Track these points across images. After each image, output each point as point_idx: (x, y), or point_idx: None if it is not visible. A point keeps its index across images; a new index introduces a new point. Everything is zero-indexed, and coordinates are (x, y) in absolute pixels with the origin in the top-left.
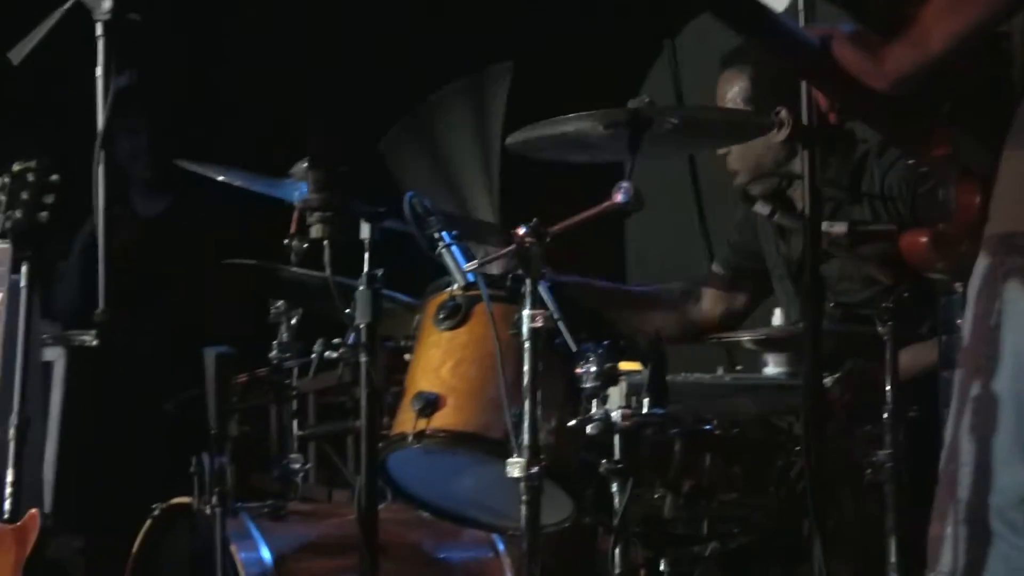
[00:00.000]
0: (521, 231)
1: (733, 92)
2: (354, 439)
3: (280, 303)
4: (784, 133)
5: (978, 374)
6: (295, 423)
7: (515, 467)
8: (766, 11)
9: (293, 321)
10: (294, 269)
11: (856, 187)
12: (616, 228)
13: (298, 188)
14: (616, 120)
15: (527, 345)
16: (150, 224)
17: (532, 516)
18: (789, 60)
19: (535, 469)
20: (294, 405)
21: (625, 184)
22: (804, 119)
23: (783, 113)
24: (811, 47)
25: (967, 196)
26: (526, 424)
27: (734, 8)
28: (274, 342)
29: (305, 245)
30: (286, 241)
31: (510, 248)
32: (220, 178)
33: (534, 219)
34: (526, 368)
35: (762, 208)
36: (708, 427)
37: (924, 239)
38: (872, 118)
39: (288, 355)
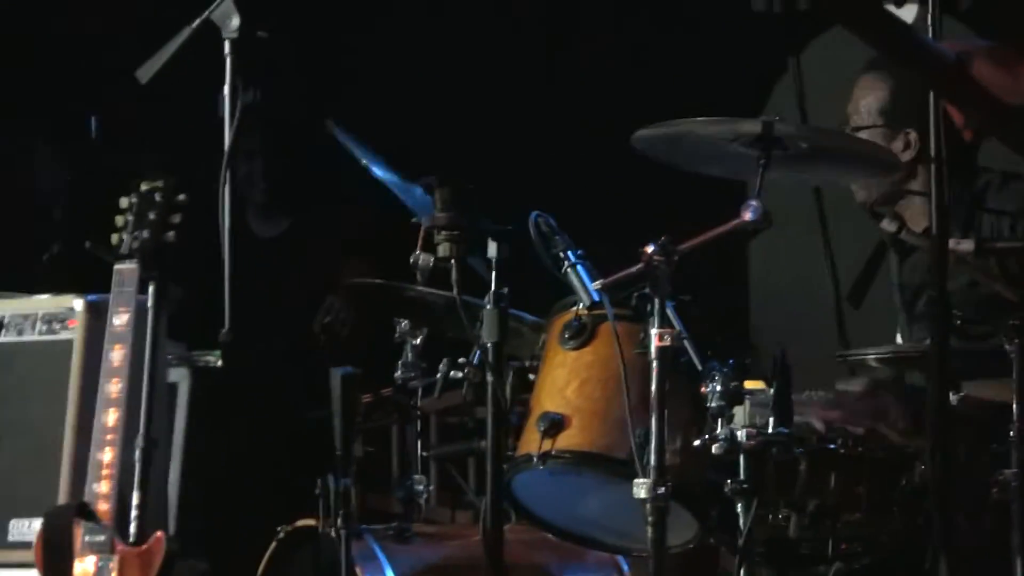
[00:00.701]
0: (650, 249)
1: (868, 100)
2: (477, 460)
3: (405, 322)
4: (910, 155)
5: None
6: (419, 443)
7: (641, 488)
8: (901, 24)
9: (418, 340)
10: (420, 288)
11: (970, 217)
12: (740, 248)
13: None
14: (746, 133)
15: (654, 364)
16: (272, 243)
17: (658, 537)
18: (926, 74)
19: (661, 490)
20: (418, 425)
21: (754, 202)
22: (933, 138)
23: (912, 135)
24: (948, 62)
25: None
26: (652, 444)
27: (869, 21)
28: (399, 362)
29: (431, 263)
30: (412, 259)
31: (638, 267)
32: (363, 162)
33: (663, 236)
34: (653, 387)
35: (889, 225)
36: (832, 445)
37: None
38: (1008, 136)
39: (413, 375)
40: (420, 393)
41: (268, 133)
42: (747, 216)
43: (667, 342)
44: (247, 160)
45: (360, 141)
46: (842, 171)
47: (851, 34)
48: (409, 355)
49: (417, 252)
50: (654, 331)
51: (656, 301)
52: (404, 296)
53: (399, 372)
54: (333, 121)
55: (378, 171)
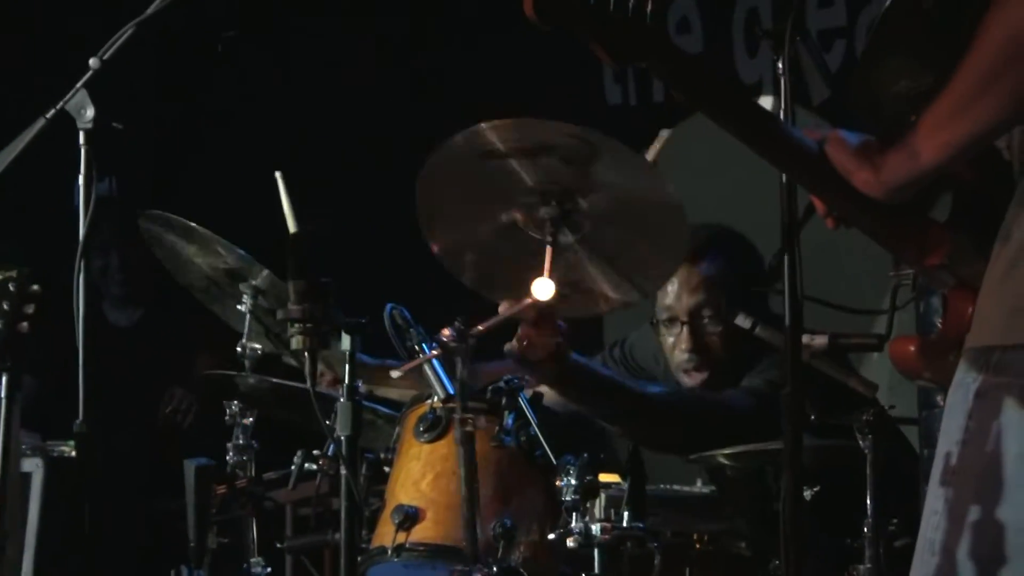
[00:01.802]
0: (446, 332)
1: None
2: (332, 551)
3: (235, 403)
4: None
5: (977, 498)
6: (273, 535)
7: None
8: (763, 113)
9: (248, 422)
10: (275, 380)
11: None
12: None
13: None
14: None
15: (461, 451)
16: (124, 334)
17: None
18: (782, 163)
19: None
20: (272, 517)
21: (543, 279)
22: (784, 229)
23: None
24: (808, 150)
25: (959, 305)
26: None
27: (731, 111)
28: (228, 444)
29: (259, 351)
30: (239, 347)
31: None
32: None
33: (456, 319)
34: (461, 470)
35: (743, 321)
36: (687, 540)
37: (912, 347)
38: (866, 224)
39: (244, 457)
40: (273, 485)
41: (122, 224)
42: (537, 296)
43: (470, 428)
44: (102, 252)
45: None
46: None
47: (714, 123)
48: (239, 438)
49: (243, 340)
50: (457, 417)
51: (459, 384)
52: (261, 387)
53: (231, 455)
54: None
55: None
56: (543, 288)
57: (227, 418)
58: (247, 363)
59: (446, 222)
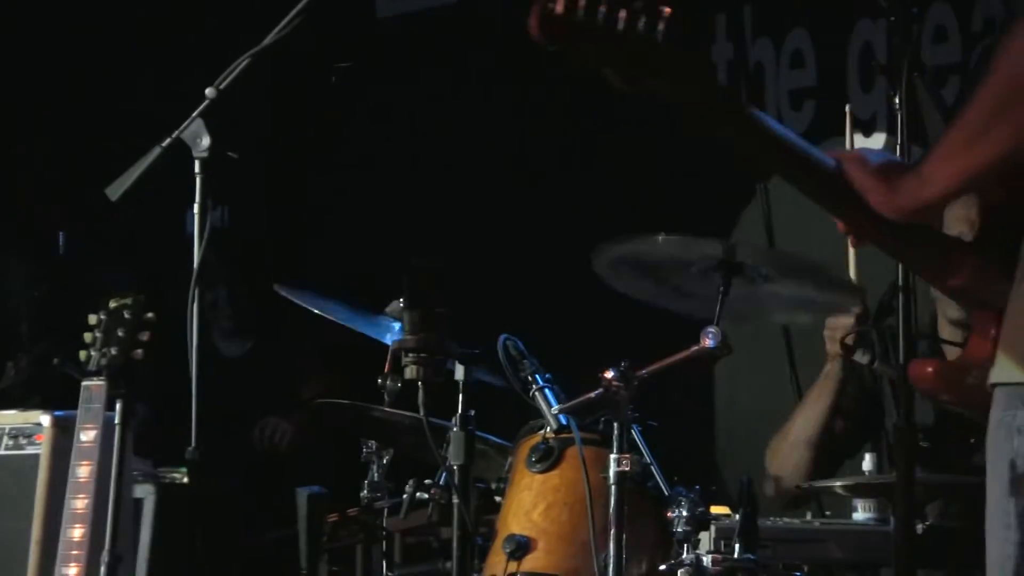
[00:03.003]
0: (609, 374)
1: None
2: None
3: (372, 443)
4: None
5: None
6: (384, 563)
7: None
8: (777, 130)
9: (384, 460)
10: (387, 409)
11: None
12: (706, 373)
13: (391, 328)
14: (708, 256)
15: (613, 489)
16: (233, 365)
17: None
18: (797, 179)
19: None
20: (383, 545)
21: (712, 329)
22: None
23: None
24: (824, 167)
25: (983, 327)
26: (611, 569)
27: (744, 130)
28: (365, 481)
29: (399, 385)
30: (379, 381)
31: (597, 392)
32: (316, 311)
33: (623, 362)
34: (612, 511)
35: (861, 357)
36: (798, 573)
37: (931, 369)
38: (887, 244)
39: (379, 495)
40: (386, 513)
41: (234, 256)
42: (707, 343)
43: (626, 467)
44: (212, 286)
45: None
46: (800, 305)
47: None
48: (375, 475)
49: (385, 373)
50: (613, 456)
51: (616, 426)
52: (371, 416)
53: (365, 491)
54: (281, 284)
55: (337, 316)
56: (713, 336)
57: (363, 454)
58: (387, 397)
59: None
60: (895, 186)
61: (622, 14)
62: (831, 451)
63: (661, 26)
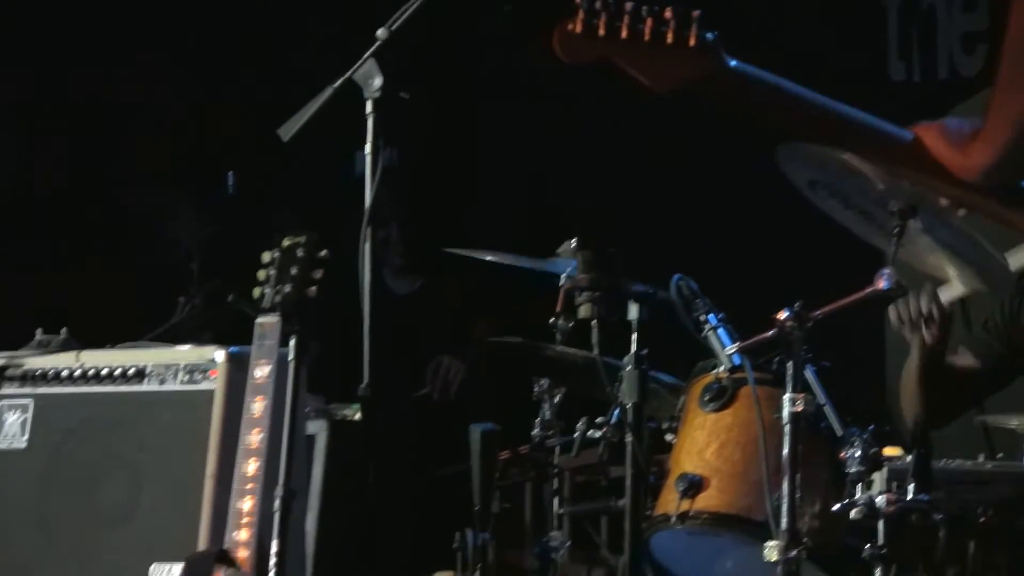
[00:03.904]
0: (783, 315)
1: None
2: (611, 519)
3: (544, 381)
4: None
5: None
6: (555, 501)
7: (772, 551)
8: (845, 112)
9: (556, 399)
10: (559, 348)
11: None
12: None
13: (565, 267)
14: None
15: (787, 429)
16: (403, 302)
17: None
18: (875, 156)
19: (792, 553)
20: (555, 483)
21: (887, 271)
22: None
23: None
24: (902, 141)
25: None
26: (785, 508)
27: (808, 119)
28: (536, 420)
29: (571, 324)
30: (551, 320)
31: (771, 332)
32: (488, 258)
33: (797, 303)
34: (785, 452)
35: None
36: (972, 514)
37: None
38: (988, 210)
39: (550, 433)
40: (557, 451)
41: (405, 194)
42: (881, 284)
43: (800, 408)
44: (383, 225)
45: (484, 242)
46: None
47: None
48: (547, 413)
49: (557, 312)
50: (787, 396)
51: (790, 367)
52: (543, 355)
53: (536, 430)
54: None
55: (508, 258)
56: (887, 278)
57: (535, 392)
58: (559, 336)
59: None
60: (967, 149)
61: (647, 23)
62: (957, 387)
63: (691, 30)
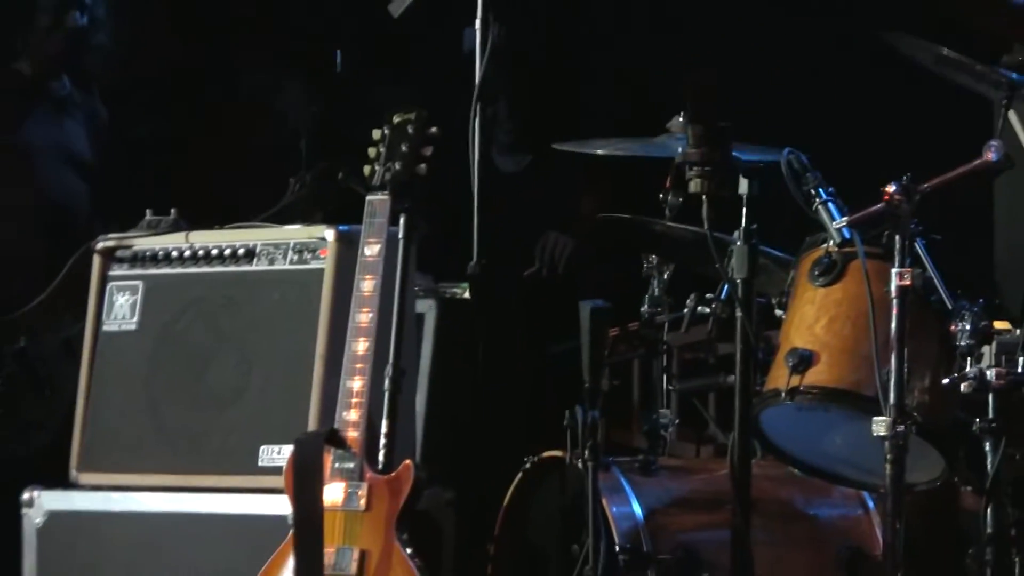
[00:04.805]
0: (891, 188)
1: None
2: (719, 395)
3: (653, 258)
4: None
5: None
6: (664, 378)
7: (881, 425)
8: None
9: (665, 276)
10: (669, 224)
11: None
12: (987, 187)
13: (674, 143)
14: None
15: (895, 303)
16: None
17: (897, 475)
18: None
19: (900, 428)
20: (663, 360)
21: (995, 142)
22: None
23: None
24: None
25: None
26: (892, 383)
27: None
28: (645, 296)
29: (681, 200)
30: (661, 196)
31: (880, 205)
32: (599, 152)
33: (905, 176)
34: (893, 326)
35: None
36: None
37: None
38: None
39: (659, 309)
40: (666, 327)
41: (513, 72)
42: (989, 156)
43: (907, 282)
44: (491, 101)
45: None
46: None
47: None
48: (656, 290)
49: (667, 187)
50: (895, 271)
51: (898, 240)
52: (652, 231)
53: (645, 306)
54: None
55: (619, 151)
56: (996, 149)
57: (644, 269)
58: (668, 212)
59: None
60: None
61: None
62: None
63: None
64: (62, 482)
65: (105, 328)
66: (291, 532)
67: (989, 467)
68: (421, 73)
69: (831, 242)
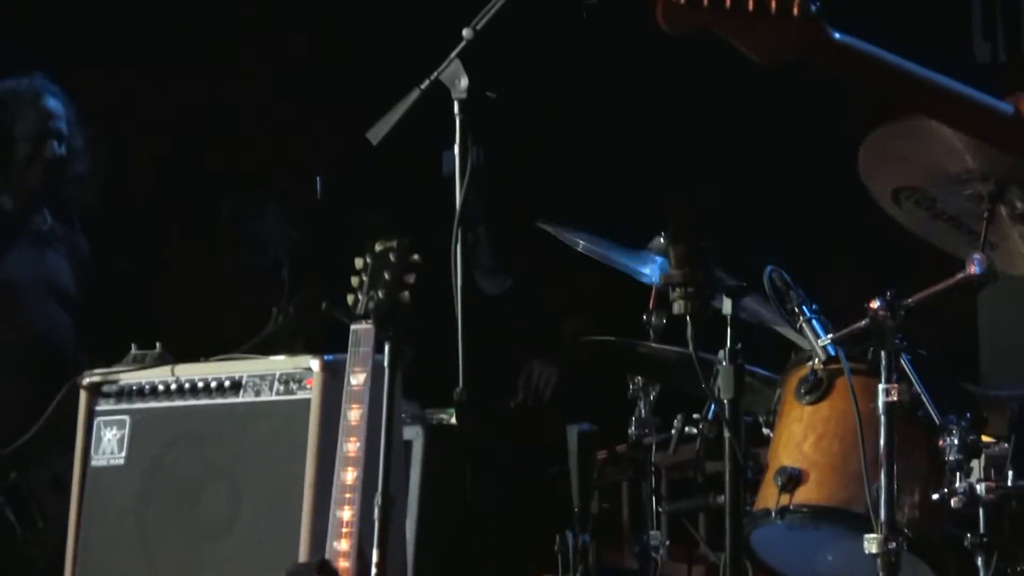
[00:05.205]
0: (875, 304)
1: None
2: (709, 515)
3: (638, 379)
4: None
5: None
6: (654, 499)
7: (872, 543)
8: (946, 84)
9: (651, 396)
10: (654, 344)
11: None
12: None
13: (654, 263)
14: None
15: (882, 419)
16: (494, 303)
17: None
18: (978, 133)
19: (892, 544)
20: (652, 482)
21: (978, 255)
22: None
23: None
24: (1002, 113)
25: None
26: (883, 499)
27: (908, 88)
28: (632, 418)
29: (664, 321)
30: (644, 317)
31: (864, 321)
32: (580, 244)
33: (889, 291)
34: (881, 442)
35: None
36: None
37: None
38: None
39: (646, 431)
40: (654, 448)
41: (492, 194)
42: (972, 269)
43: (894, 397)
44: (472, 226)
45: (575, 226)
46: None
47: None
48: (643, 411)
49: (650, 309)
50: (882, 386)
51: (884, 355)
52: (637, 352)
53: (633, 428)
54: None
55: (600, 250)
56: (979, 262)
57: (630, 391)
58: (652, 333)
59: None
60: None
61: None
62: None
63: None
64: None
65: (93, 463)
66: None
67: None
68: (402, 198)
69: (816, 359)
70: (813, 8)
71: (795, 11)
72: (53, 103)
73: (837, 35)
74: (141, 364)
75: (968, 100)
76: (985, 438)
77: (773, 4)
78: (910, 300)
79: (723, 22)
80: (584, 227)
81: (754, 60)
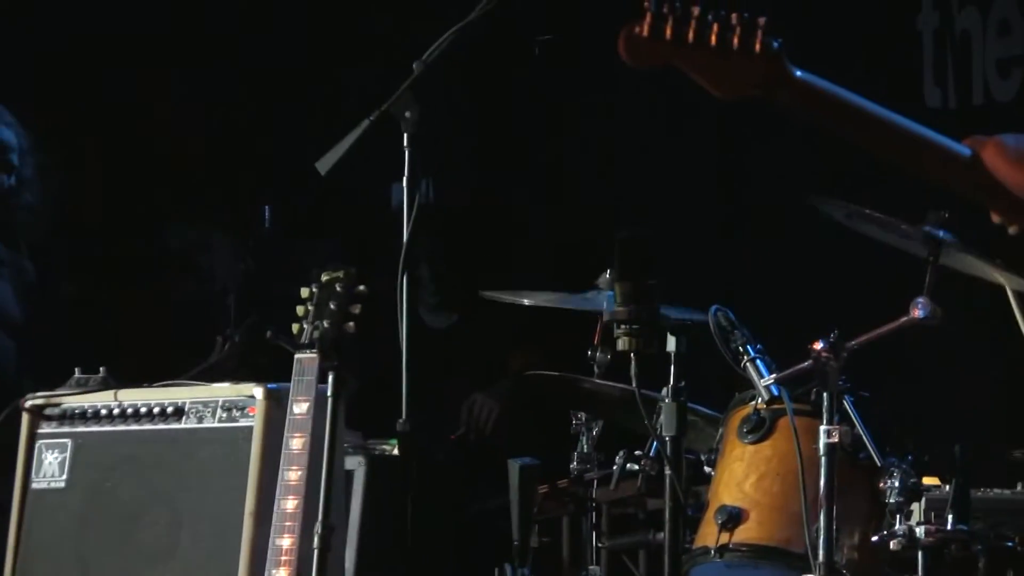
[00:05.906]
0: (819, 345)
1: None
2: (649, 552)
3: (581, 414)
4: None
5: None
6: (594, 535)
7: None
8: (906, 125)
9: (594, 432)
10: (597, 380)
11: None
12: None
13: (600, 300)
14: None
15: (823, 460)
16: (439, 337)
17: None
18: (933, 175)
19: None
20: (593, 517)
21: (922, 299)
22: None
23: None
24: (960, 156)
25: None
26: (822, 540)
27: (866, 128)
28: (574, 453)
29: (609, 357)
30: (589, 352)
31: (808, 362)
32: (526, 302)
33: (832, 333)
34: (822, 483)
35: None
36: (1011, 543)
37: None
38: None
39: (588, 466)
40: (595, 484)
41: (439, 229)
42: (916, 313)
43: (836, 439)
44: (416, 264)
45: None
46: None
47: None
48: (585, 446)
49: (595, 345)
50: (823, 428)
51: (826, 397)
52: (581, 388)
53: (574, 463)
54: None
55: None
56: (923, 307)
57: (573, 425)
58: (597, 369)
59: None
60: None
61: (714, 28)
62: None
63: (756, 37)
64: None
65: (34, 486)
66: None
67: None
68: (349, 229)
69: (759, 399)
70: (775, 45)
71: (757, 47)
72: (6, 133)
73: (799, 72)
74: (84, 388)
75: (928, 141)
76: (926, 480)
77: (736, 40)
78: (854, 342)
79: (685, 57)
80: (528, 277)
81: (716, 96)
